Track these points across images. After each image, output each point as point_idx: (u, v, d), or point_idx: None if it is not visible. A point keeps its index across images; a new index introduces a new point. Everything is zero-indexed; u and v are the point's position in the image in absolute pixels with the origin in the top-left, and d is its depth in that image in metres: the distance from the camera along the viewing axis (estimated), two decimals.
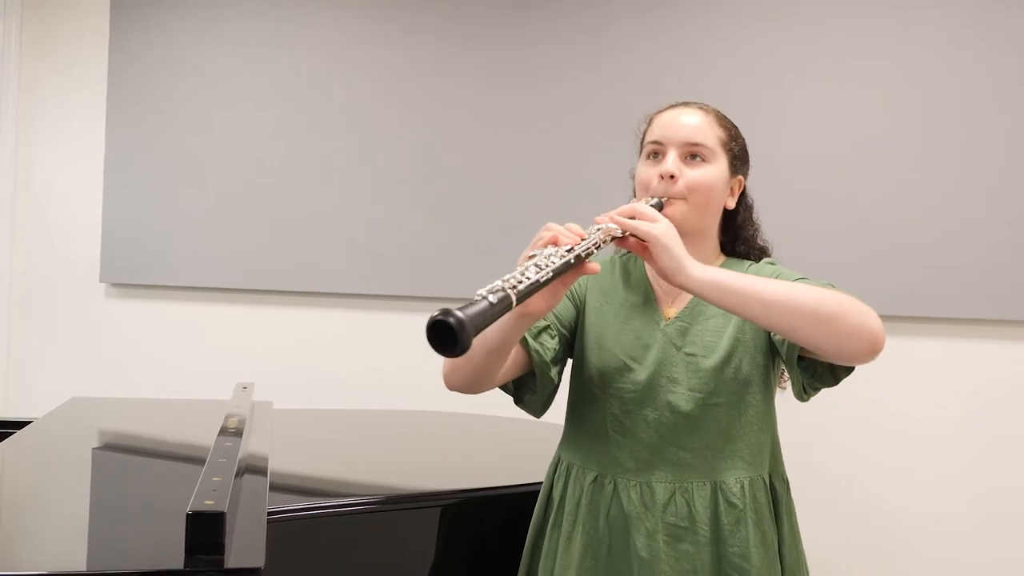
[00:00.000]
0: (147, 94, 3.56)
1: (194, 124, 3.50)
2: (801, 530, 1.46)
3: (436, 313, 0.95)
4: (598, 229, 1.22)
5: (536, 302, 1.16)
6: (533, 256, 1.14)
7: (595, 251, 1.20)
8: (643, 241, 1.23)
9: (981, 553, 2.58)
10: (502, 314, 1.02)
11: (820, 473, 2.68)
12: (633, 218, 1.24)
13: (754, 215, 1.52)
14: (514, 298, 1.03)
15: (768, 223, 1.53)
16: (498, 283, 1.04)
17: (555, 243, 1.17)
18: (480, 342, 1.17)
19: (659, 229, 1.22)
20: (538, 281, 1.08)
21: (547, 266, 1.11)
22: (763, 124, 2.73)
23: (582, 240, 1.18)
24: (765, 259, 1.48)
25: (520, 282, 1.05)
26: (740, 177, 1.47)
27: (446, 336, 0.95)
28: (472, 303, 0.99)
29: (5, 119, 3.70)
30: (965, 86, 2.61)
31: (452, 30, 3.19)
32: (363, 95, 3.30)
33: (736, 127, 1.47)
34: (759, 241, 1.51)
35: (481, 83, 3.15)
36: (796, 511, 1.45)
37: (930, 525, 2.63)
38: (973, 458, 2.61)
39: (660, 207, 1.36)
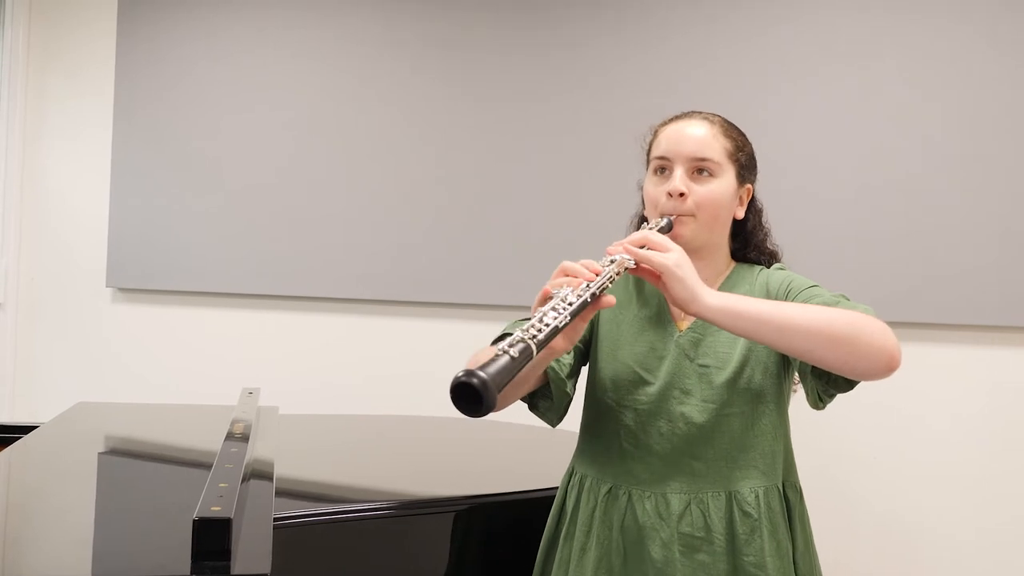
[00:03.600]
0: (154, 99, 3.57)
1: (201, 129, 3.50)
2: (815, 536, 1.45)
3: (460, 373, 0.96)
4: (612, 261, 1.24)
5: (557, 341, 1.17)
6: (550, 298, 1.17)
7: (610, 284, 1.21)
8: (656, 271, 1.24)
9: (997, 559, 2.56)
10: (524, 365, 1.04)
11: (834, 479, 2.65)
12: (644, 247, 1.25)
13: (764, 220, 1.51)
14: (535, 348, 1.06)
15: (778, 228, 1.53)
16: (518, 334, 1.07)
17: (571, 275, 1.20)
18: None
19: (671, 259, 1.23)
20: (557, 327, 1.11)
21: (564, 309, 1.14)
22: (773, 128, 2.72)
23: (597, 276, 1.20)
24: (776, 265, 1.48)
25: (540, 331, 1.08)
26: (749, 185, 1.46)
27: (471, 398, 0.96)
28: (494, 360, 1.00)
29: (13, 124, 3.71)
30: (976, 90, 2.59)
31: (459, 35, 3.19)
32: (372, 99, 3.29)
33: (743, 135, 1.46)
34: (769, 246, 1.51)
35: (489, 88, 3.15)
36: (809, 518, 1.44)
37: (944, 531, 2.61)
38: (990, 465, 2.59)
39: (670, 227, 1.37)
